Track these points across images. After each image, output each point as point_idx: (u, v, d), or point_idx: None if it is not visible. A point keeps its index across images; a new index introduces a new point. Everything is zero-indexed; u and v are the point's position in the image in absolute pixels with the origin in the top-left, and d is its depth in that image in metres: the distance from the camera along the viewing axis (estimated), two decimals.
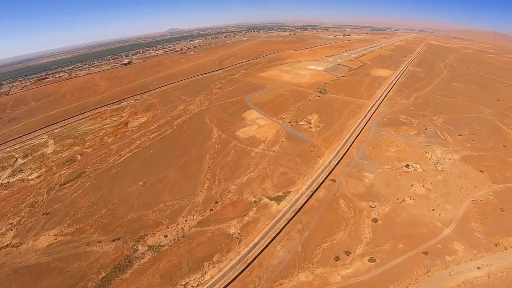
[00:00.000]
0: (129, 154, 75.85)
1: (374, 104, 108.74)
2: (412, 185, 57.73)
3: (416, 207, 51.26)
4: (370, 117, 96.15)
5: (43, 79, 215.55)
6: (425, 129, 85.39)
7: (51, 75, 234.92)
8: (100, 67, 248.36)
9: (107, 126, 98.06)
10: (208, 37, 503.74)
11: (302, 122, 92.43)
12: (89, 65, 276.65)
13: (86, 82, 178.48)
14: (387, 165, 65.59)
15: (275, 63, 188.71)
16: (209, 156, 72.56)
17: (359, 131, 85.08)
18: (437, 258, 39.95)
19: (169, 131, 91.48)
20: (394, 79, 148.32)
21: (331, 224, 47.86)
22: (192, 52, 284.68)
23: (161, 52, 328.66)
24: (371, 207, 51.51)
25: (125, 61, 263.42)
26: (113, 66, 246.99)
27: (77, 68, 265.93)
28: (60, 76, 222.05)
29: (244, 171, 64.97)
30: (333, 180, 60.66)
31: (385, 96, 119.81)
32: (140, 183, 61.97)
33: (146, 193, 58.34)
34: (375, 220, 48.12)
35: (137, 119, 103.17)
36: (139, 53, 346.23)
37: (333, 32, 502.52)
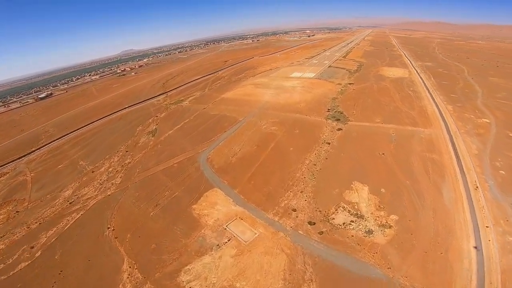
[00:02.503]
0: None
1: (450, 136, 55.26)
2: None
3: None
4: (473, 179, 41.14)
5: None
6: None
7: None
8: (7, 106, 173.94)
9: None
10: (161, 54, 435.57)
11: (340, 219, 35.08)
12: None
13: None
14: None
15: (244, 74, 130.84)
16: None
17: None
18: None
19: (21, 266, 28.03)
20: (420, 79, 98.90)
21: None
22: (133, 73, 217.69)
23: (97, 77, 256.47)
24: None
25: (43, 95, 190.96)
26: (25, 103, 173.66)
27: None
28: None
29: None
30: None
31: (445, 112, 67.59)
32: None
33: None
34: None
35: None
36: (72, 81, 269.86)
37: (295, 35, 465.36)
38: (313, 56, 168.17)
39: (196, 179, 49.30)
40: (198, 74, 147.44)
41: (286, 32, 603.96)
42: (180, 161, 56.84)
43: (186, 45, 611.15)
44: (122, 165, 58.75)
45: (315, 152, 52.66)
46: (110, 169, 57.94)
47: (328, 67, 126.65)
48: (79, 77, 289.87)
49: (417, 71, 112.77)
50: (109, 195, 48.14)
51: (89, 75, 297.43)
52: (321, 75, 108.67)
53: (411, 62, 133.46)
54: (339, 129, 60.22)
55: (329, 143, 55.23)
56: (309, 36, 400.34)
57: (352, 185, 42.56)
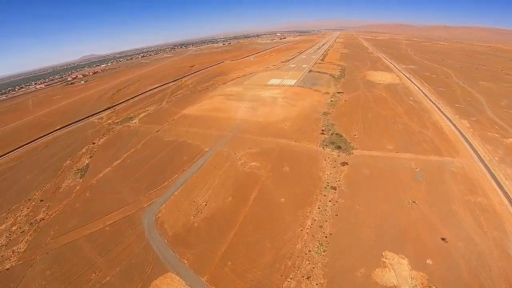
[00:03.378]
0: None
1: (487, 168, 40.86)
2: None
3: None
4: None
5: None
6: None
7: None
8: None
9: None
10: (122, 59, 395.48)
11: None
12: None
13: None
14: None
15: (212, 82, 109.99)
16: None
17: None
18: None
19: None
20: (414, 86, 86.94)
21: None
22: (83, 82, 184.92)
23: (43, 86, 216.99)
24: None
25: None
26: None
27: None
28: None
29: None
30: None
31: (464, 130, 54.00)
32: None
33: None
34: None
35: None
36: (14, 90, 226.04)
37: (267, 38, 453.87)
38: (290, 59, 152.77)
39: (139, 255, 29.66)
40: (157, 82, 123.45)
41: (258, 35, 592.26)
42: (116, 221, 36.17)
43: (152, 49, 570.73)
44: (31, 223, 37.43)
45: (318, 205, 34.78)
46: (13, 228, 36.83)
47: (309, 71, 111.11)
48: (23, 86, 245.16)
49: (406, 76, 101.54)
50: (7, 269, 26.99)
51: (35, 83, 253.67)
52: (304, 82, 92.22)
53: (394, 66, 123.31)
54: (344, 164, 42.84)
55: (335, 188, 37.55)
56: (281, 39, 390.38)
57: (383, 259, 25.96)
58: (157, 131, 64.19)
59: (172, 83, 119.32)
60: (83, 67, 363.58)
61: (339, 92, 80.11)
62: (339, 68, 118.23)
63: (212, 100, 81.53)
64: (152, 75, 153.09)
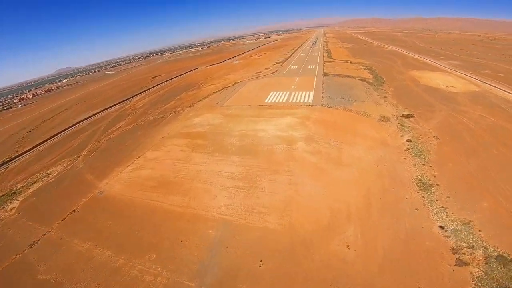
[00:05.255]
0: None
1: None
2: None
3: None
4: None
5: None
6: None
7: None
8: None
9: None
10: (89, 72, 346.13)
11: None
12: None
13: None
14: None
15: (175, 102, 67.88)
16: None
17: None
18: None
19: None
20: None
21: None
22: (20, 105, 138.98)
23: None
24: None
25: None
26: None
27: None
28: None
29: None
30: None
31: None
32: None
33: None
34: None
35: None
36: None
37: (250, 38, 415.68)
38: (286, 59, 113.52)
39: None
40: (99, 105, 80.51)
41: (240, 38, 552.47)
42: None
43: (127, 58, 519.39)
44: None
45: None
46: None
47: (324, 75, 71.88)
48: None
49: (472, 77, 64.22)
50: None
51: None
52: (328, 96, 52.41)
53: (434, 62, 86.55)
54: None
55: None
56: (265, 38, 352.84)
57: None
58: (30, 246, 22.79)
59: (119, 106, 77.25)
60: (44, 84, 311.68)
61: (405, 116, 40.88)
62: (363, 68, 79.97)
63: (163, 150, 40.01)
64: (100, 93, 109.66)
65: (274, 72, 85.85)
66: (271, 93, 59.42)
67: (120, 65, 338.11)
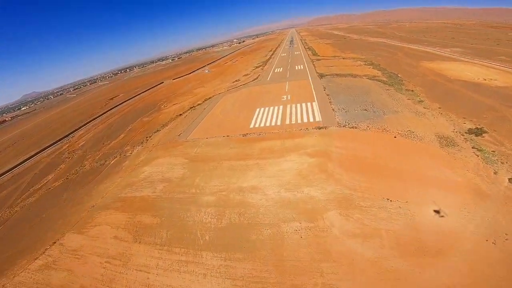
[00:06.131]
0: None
1: None
2: None
3: None
4: None
5: None
6: None
7: None
8: None
9: None
10: (51, 96, 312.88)
11: None
12: None
13: None
14: None
15: (124, 136, 48.93)
16: None
17: None
18: None
19: None
20: None
21: None
22: None
23: None
24: None
25: None
26: None
27: None
28: None
29: None
30: None
31: None
32: None
33: None
34: None
35: None
36: None
37: (223, 45, 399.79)
38: (266, 61, 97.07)
39: None
40: (31, 148, 59.07)
41: (213, 45, 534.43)
42: None
43: (94, 78, 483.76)
44: None
45: None
46: None
47: (321, 77, 55.59)
48: None
49: (506, 67, 50.86)
50: None
51: None
52: (344, 110, 35.83)
53: (438, 51, 73.81)
54: None
55: None
56: (239, 43, 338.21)
57: None
58: None
59: (58, 145, 56.38)
60: (2, 114, 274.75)
61: (474, 132, 24.91)
62: (363, 63, 64.94)
63: (89, 234, 20.87)
64: (45, 125, 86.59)
65: (255, 79, 68.46)
66: (257, 110, 41.83)
67: (85, 85, 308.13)
